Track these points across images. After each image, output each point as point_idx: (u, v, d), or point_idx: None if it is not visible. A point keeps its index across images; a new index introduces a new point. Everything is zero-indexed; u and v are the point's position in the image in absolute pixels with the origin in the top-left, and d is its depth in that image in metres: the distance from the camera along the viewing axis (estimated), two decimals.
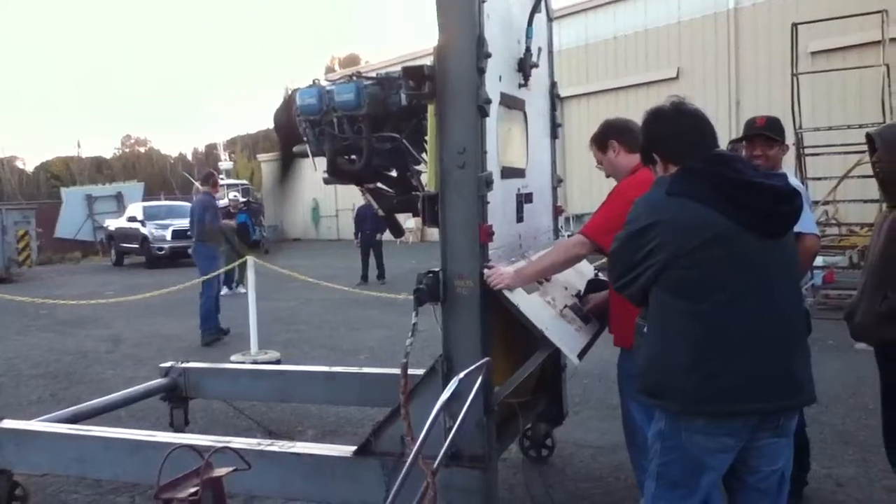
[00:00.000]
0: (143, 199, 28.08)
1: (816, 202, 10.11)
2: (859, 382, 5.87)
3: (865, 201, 9.84)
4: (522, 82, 3.81)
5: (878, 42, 10.52)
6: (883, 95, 9.95)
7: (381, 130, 3.82)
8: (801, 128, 10.02)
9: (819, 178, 10.18)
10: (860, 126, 8.94)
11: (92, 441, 4.10)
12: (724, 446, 2.41)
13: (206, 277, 9.47)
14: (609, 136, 3.61)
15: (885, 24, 10.23)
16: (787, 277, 2.47)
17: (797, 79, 10.23)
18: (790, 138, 8.64)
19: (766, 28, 17.44)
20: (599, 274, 4.16)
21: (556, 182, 4.58)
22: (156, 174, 50.62)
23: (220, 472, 2.51)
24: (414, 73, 3.35)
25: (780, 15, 16.49)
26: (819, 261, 9.77)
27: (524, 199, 3.85)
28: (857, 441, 4.84)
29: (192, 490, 2.37)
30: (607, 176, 3.70)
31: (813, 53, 14.92)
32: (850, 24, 12.60)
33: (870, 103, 10.84)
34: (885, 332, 3.23)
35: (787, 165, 6.34)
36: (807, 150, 10.04)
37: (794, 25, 10.41)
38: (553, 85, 4.50)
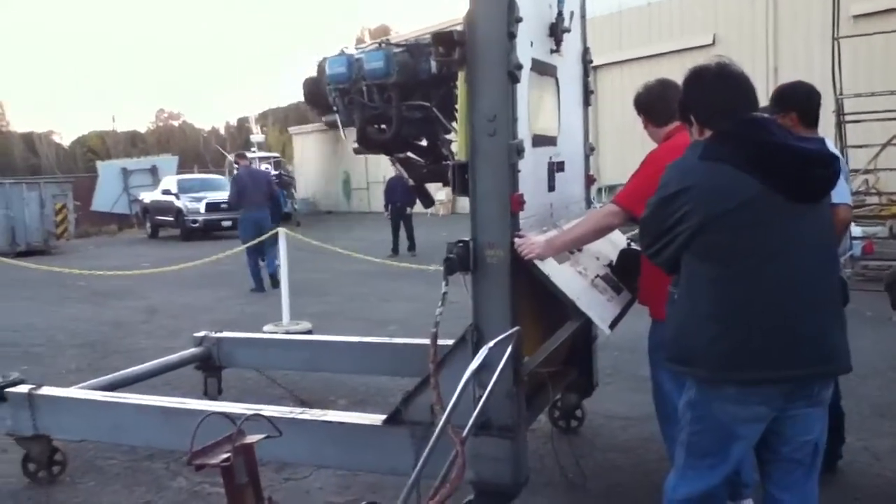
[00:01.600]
0: (177, 173, 28.37)
1: (857, 171, 9.86)
2: None
3: None
4: (554, 48, 3.73)
5: None
6: None
7: (411, 99, 3.79)
8: (841, 94, 9.75)
9: (860, 146, 9.91)
10: None
11: (126, 408, 4.17)
12: (756, 415, 2.37)
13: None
14: (638, 110, 3.60)
15: None
16: (822, 243, 2.40)
17: (838, 43, 9.92)
18: (830, 105, 8.42)
19: None
20: (632, 244, 4.10)
21: (589, 150, 4.51)
22: (189, 148, 51.06)
23: (251, 438, 2.53)
24: (444, 39, 3.30)
25: None
26: (858, 231, 9.55)
27: (556, 167, 3.80)
28: (894, 413, 4.75)
29: (225, 456, 2.40)
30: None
31: (855, 17, 14.49)
32: None
33: None
34: None
35: (828, 132, 6.16)
36: (847, 117, 9.78)
37: None
38: (585, 51, 4.41)
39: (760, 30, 18.17)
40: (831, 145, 3.02)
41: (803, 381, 2.35)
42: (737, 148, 2.31)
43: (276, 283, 10.33)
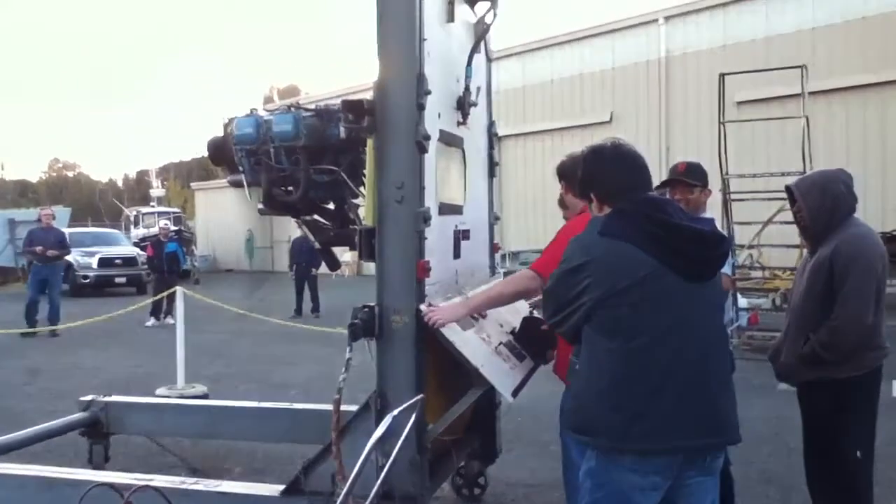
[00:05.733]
0: (70, 225, 27.17)
1: (742, 246, 10.45)
2: (781, 422, 6.02)
3: (788, 246, 10.22)
4: (461, 120, 3.85)
5: (799, 94, 11.04)
6: (804, 145, 10.41)
7: (319, 162, 3.82)
8: (727, 174, 10.39)
9: (744, 223, 10.55)
10: (782, 174, 9.32)
11: (2, 479, 3.88)
12: (653, 484, 2.43)
13: None
14: (562, 177, 3.67)
15: (805, 79, 10.75)
16: (712, 318, 2.53)
17: (724, 126, 10.62)
18: (717, 184, 8.97)
19: (695, 77, 18.13)
20: (534, 312, 4.19)
21: (494, 219, 4.62)
22: (83, 199, 49.28)
23: None
24: (353, 107, 3.36)
25: (708, 65, 17.18)
26: (744, 303, 10.07)
27: (461, 235, 3.87)
28: (780, 480, 4.95)
29: None
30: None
31: (739, 103, 15.54)
32: (773, 77, 13.18)
33: (791, 152, 11.31)
34: (807, 372, 3.34)
35: (715, 209, 6.56)
36: (733, 196, 10.41)
37: (722, 76, 10.85)
38: (491, 124, 4.56)
39: (654, 110, 19.29)
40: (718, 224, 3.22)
41: (695, 451, 2.43)
42: (635, 226, 2.41)
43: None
